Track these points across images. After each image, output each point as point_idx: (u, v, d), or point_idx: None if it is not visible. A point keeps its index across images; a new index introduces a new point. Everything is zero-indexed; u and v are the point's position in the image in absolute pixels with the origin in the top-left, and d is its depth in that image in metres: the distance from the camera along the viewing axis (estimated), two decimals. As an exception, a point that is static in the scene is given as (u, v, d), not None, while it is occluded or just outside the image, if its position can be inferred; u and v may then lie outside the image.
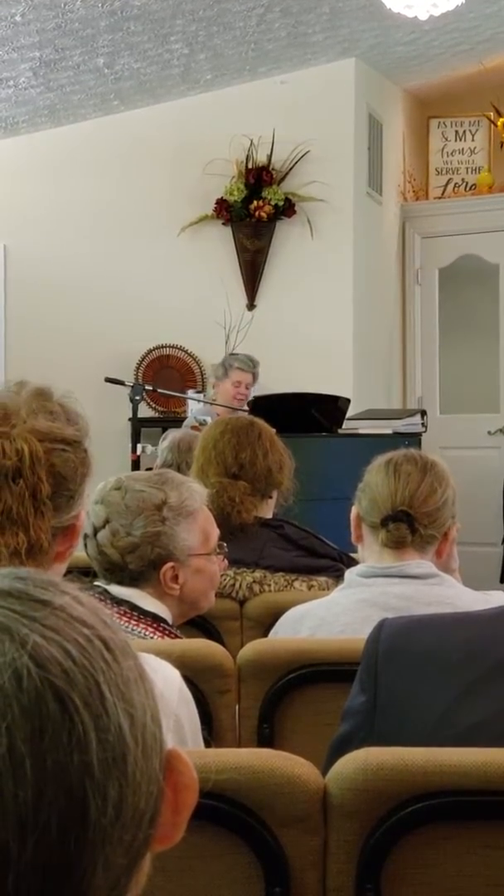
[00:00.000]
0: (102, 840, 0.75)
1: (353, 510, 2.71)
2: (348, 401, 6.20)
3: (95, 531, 2.51)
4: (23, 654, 0.76)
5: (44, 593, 0.82)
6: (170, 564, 2.50)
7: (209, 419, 6.16)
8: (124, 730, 0.77)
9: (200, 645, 2.46)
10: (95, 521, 2.51)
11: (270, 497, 3.47)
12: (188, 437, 4.83)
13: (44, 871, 0.73)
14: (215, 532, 2.63)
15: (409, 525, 2.58)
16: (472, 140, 8.81)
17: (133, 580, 2.49)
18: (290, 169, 7.79)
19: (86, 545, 2.50)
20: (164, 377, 7.84)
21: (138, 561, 2.49)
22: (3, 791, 0.72)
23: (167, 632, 2.42)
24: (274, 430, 3.55)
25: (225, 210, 7.86)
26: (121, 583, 2.49)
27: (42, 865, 0.73)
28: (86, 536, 2.48)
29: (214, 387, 6.82)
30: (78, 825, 0.74)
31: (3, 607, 0.79)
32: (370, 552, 2.67)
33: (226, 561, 2.76)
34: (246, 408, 6.22)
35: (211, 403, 6.69)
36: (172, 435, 5.01)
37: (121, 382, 6.19)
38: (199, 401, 6.91)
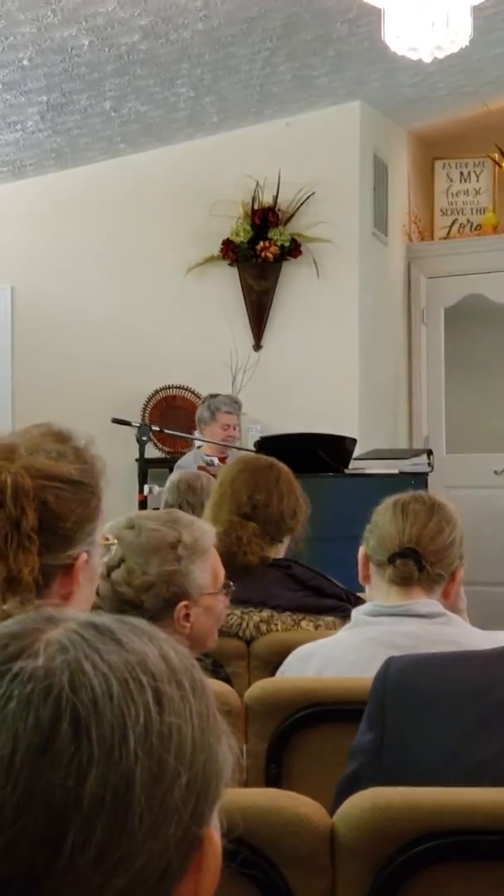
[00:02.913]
0: (75, 877, 0.75)
1: (361, 550, 2.71)
2: (354, 441, 6.21)
3: (109, 570, 2.51)
4: (64, 673, 0.79)
5: (126, 636, 0.85)
6: (184, 603, 2.51)
7: (216, 459, 6.19)
8: (135, 778, 0.78)
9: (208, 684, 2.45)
10: (109, 561, 2.50)
11: (280, 542, 3.44)
12: (187, 476, 4.84)
13: (8, 879, 0.74)
14: (222, 571, 2.64)
15: (417, 562, 2.58)
16: (477, 181, 8.85)
17: (146, 620, 2.48)
18: (296, 210, 7.83)
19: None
20: (171, 418, 7.85)
21: (153, 599, 2.49)
22: None
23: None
24: (293, 475, 3.50)
25: (231, 251, 7.90)
26: None
27: (7, 873, 0.74)
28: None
29: (202, 431, 6.85)
30: (50, 848, 0.75)
31: (78, 633, 0.83)
32: (377, 591, 2.67)
33: (228, 600, 2.76)
34: (252, 447, 6.24)
35: (221, 444, 6.70)
36: (171, 476, 5.03)
37: (127, 423, 6.20)
38: (205, 441, 6.93)
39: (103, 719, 0.78)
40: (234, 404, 6.97)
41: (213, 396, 7.04)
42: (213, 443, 6.61)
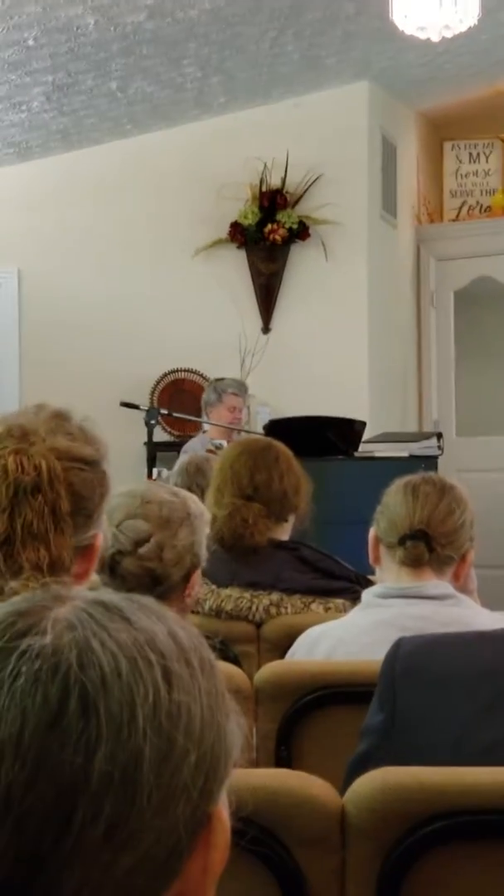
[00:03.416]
0: (84, 854, 0.76)
1: (371, 532, 2.70)
2: (364, 424, 6.20)
3: (137, 545, 2.49)
4: (72, 651, 0.79)
5: (135, 614, 0.85)
6: (198, 571, 2.52)
7: (225, 443, 6.18)
8: (143, 756, 0.78)
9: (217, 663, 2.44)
10: (136, 536, 2.48)
11: (286, 521, 3.44)
12: (196, 459, 4.84)
13: (16, 856, 0.75)
14: None
15: (427, 544, 2.57)
16: (486, 162, 8.83)
17: (162, 595, 2.46)
18: (304, 192, 7.81)
19: (116, 563, 2.46)
20: (179, 401, 7.85)
21: (179, 571, 2.49)
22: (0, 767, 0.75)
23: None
24: (291, 453, 3.53)
25: (239, 233, 7.88)
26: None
27: (15, 850, 0.75)
28: (120, 553, 2.46)
29: (208, 414, 6.86)
30: (58, 825, 0.75)
31: (86, 611, 0.83)
32: (388, 573, 2.67)
33: None
34: (262, 430, 6.24)
35: (228, 427, 6.70)
36: (181, 459, 5.02)
37: (136, 406, 6.20)
38: (213, 424, 6.93)
39: (112, 697, 0.78)
40: (241, 387, 6.99)
41: (219, 380, 7.06)
42: (220, 425, 6.61)
